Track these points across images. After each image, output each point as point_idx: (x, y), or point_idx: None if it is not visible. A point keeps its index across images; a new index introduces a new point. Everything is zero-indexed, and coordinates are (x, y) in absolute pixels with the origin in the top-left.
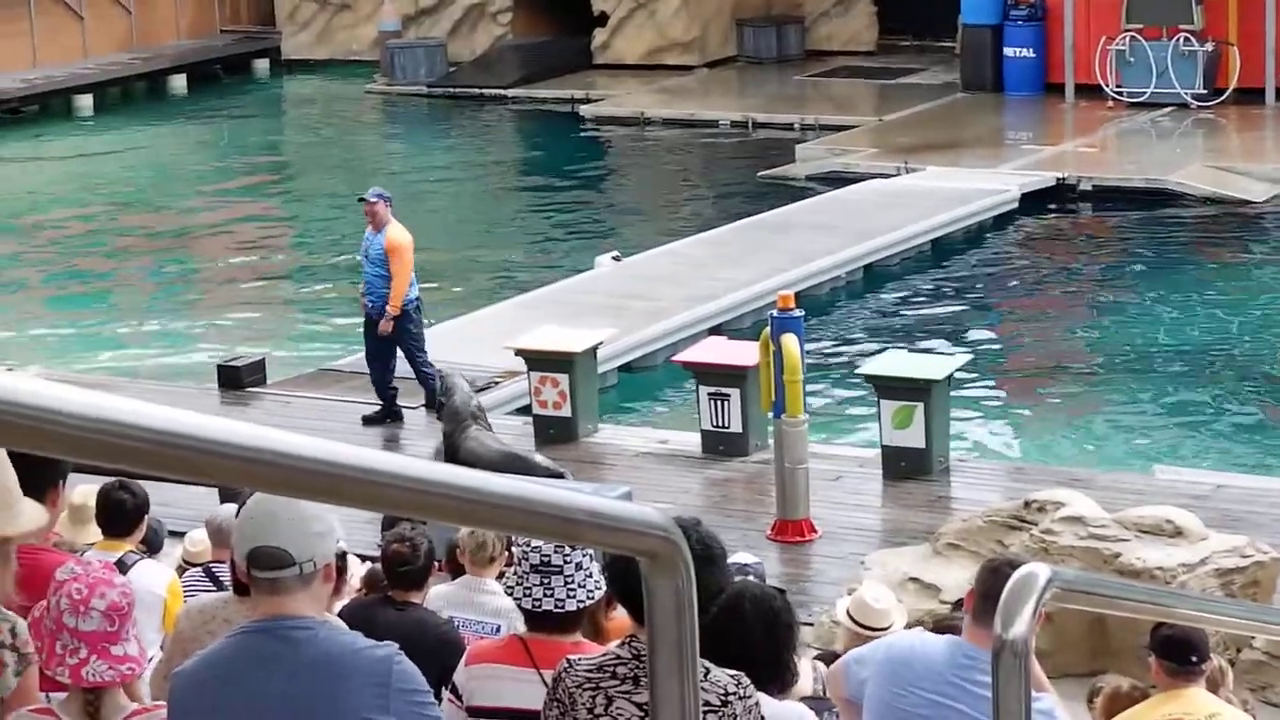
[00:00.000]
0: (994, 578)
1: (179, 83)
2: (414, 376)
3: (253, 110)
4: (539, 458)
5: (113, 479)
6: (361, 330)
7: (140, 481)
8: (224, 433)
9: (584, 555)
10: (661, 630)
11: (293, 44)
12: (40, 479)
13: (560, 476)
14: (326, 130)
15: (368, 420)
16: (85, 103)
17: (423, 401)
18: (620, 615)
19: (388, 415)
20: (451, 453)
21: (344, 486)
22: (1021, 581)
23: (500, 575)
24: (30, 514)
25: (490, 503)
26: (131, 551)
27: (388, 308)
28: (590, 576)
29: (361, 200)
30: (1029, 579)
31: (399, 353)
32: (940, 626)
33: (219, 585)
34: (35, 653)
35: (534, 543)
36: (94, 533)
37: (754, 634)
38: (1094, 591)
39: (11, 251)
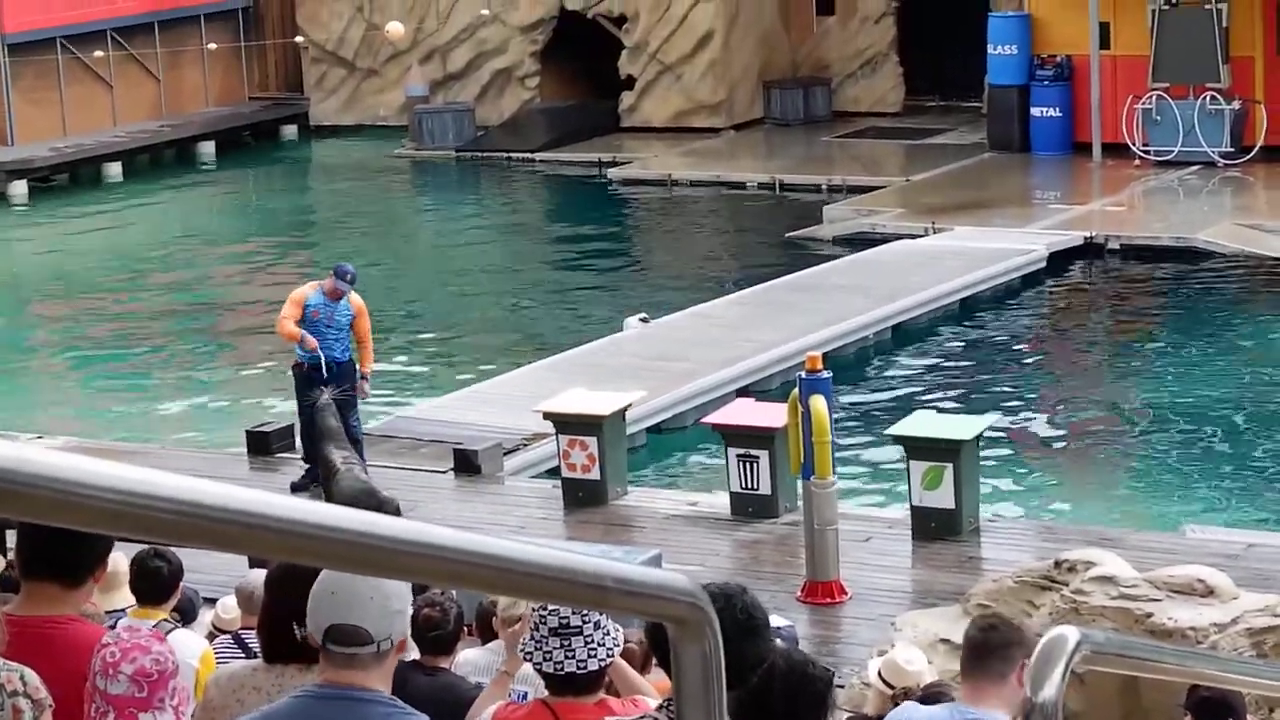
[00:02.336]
0: (980, 635)
1: (208, 149)
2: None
3: (281, 176)
4: (383, 494)
5: (147, 546)
6: (294, 391)
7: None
8: (263, 506)
9: (601, 614)
10: (689, 697)
11: (321, 110)
12: (91, 555)
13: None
14: (355, 195)
15: (295, 487)
16: (115, 170)
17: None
18: (662, 677)
19: (315, 479)
20: (326, 490)
21: (380, 558)
22: (1051, 644)
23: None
24: (126, 594)
25: (521, 571)
26: (165, 620)
27: (366, 369)
28: (608, 635)
29: (338, 275)
30: (1059, 641)
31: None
32: (930, 694)
33: (248, 652)
34: (49, 699)
35: (551, 605)
36: (124, 598)
37: (785, 701)
38: (1124, 653)
39: (41, 319)
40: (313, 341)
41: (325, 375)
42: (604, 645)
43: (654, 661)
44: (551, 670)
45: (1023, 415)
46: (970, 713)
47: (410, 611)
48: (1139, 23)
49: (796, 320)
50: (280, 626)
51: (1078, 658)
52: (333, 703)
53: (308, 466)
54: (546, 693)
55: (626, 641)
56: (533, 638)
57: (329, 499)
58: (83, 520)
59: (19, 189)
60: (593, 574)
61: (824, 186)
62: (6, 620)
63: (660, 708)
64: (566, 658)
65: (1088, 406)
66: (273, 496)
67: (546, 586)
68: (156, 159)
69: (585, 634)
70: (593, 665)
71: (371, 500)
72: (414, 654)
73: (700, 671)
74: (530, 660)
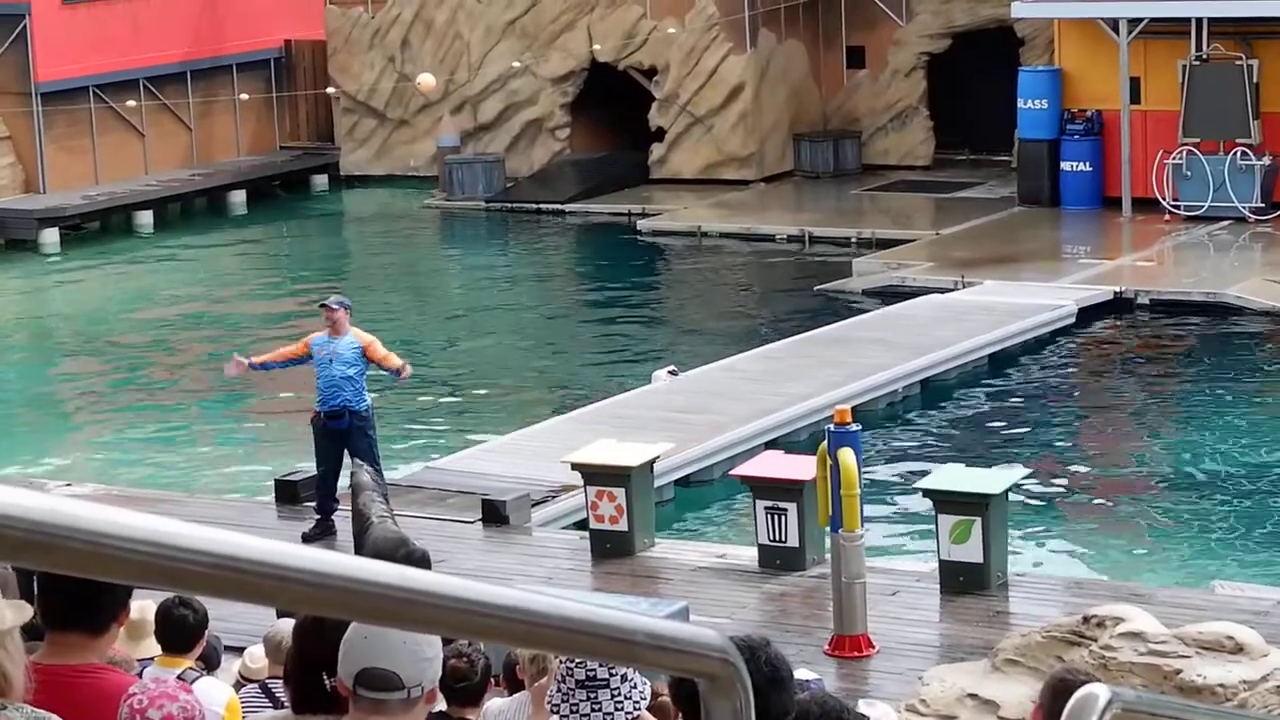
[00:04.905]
0: (1059, 698)
1: (238, 199)
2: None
3: (311, 226)
4: (413, 544)
5: (172, 595)
6: (314, 442)
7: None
8: (294, 559)
9: (628, 667)
10: None
11: (351, 160)
12: (113, 603)
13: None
14: (385, 245)
15: (307, 538)
16: (146, 219)
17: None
18: None
19: (326, 531)
20: (358, 544)
21: (411, 611)
22: (1082, 702)
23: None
24: (151, 643)
25: (551, 625)
26: (190, 668)
27: (406, 364)
28: (635, 687)
29: (324, 306)
30: (1089, 700)
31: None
32: None
33: (276, 702)
34: None
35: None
36: (150, 648)
37: None
38: (1155, 712)
39: (71, 367)
40: (236, 369)
41: (343, 423)
42: (630, 698)
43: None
44: None
45: (1052, 470)
46: None
47: (441, 660)
48: (1170, 78)
49: (825, 373)
50: (309, 676)
51: (1108, 716)
52: None
53: (319, 517)
54: None
55: (658, 696)
56: (559, 689)
57: (359, 550)
58: (113, 572)
59: (50, 237)
60: (623, 629)
61: (853, 239)
62: (33, 668)
63: None
64: (593, 710)
65: (1117, 461)
66: (304, 549)
67: (577, 641)
68: (187, 208)
69: (612, 686)
70: (619, 718)
71: (401, 550)
72: (441, 705)
73: None
74: (556, 712)
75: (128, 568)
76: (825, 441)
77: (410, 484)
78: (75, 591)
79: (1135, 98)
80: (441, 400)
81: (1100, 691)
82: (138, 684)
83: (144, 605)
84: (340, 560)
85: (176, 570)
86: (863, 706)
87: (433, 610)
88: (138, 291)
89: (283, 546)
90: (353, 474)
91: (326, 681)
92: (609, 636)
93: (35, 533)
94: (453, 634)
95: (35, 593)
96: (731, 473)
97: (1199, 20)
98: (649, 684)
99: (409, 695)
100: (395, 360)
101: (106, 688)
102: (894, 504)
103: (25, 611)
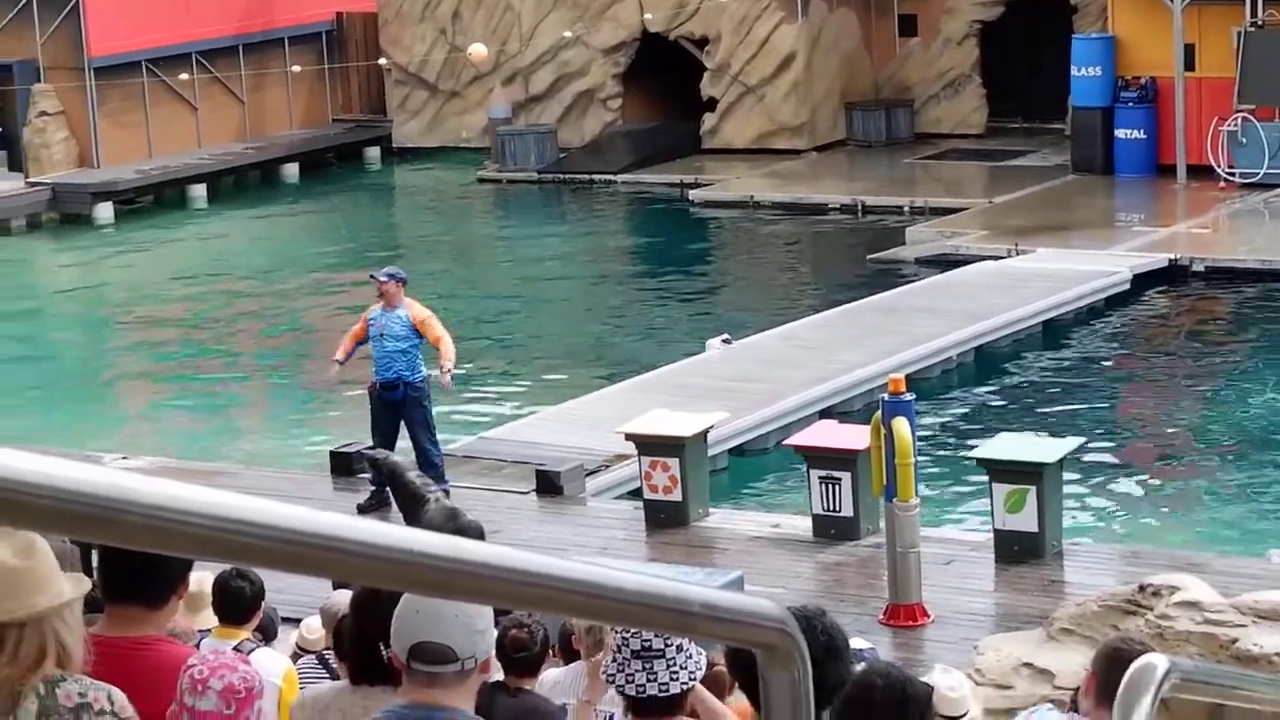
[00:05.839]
0: (1114, 667)
1: (291, 171)
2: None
3: (364, 198)
4: (466, 517)
5: (229, 567)
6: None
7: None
8: (353, 531)
9: (684, 637)
10: None
11: (404, 132)
12: (173, 576)
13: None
14: (438, 217)
15: (363, 509)
16: (199, 192)
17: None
18: (743, 701)
19: (381, 502)
20: (411, 523)
21: (468, 584)
22: (1140, 673)
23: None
24: (209, 615)
25: (608, 597)
26: (247, 639)
27: (445, 363)
28: (690, 657)
29: (374, 279)
30: (1147, 670)
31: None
32: None
33: (332, 673)
34: (136, 717)
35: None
36: (208, 619)
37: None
38: (1212, 681)
39: (125, 340)
40: (338, 359)
41: (398, 394)
42: (686, 668)
43: (735, 685)
44: (634, 693)
45: (1106, 438)
46: None
47: (494, 632)
48: (1224, 44)
49: (879, 342)
50: (366, 649)
51: (1166, 686)
52: None
53: (374, 489)
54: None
55: (713, 665)
56: (615, 659)
57: (410, 524)
58: (173, 546)
59: (105, 211)
60: (680, 600)
61: (906, 208)
62: (92, 640)
63: None
64: (648, 680)
65: (1172, 429)
66: (361, 521)
67: (634, 612)
68: (240, 181)
69: (667, 657)
70: (674, 688)
71: (453, 523)
72: (498, 674)
73: (789, 698)
74: (612, 682)
75: (187, 541)
76: (879, 411)
77: (465, 454)
78: (135, 564)
79: (1189, 64)
80: (495, 370)
81: (1158, 661)
82: (197, 655)
83: (201, 577)
84: (398, 532)
85: (236, 543)
86: (937, 673)
87: (490, 582)
88: (191, 265)
89: (341, 519)
90: (385, 458)
91: (383, 652)
92: (666, 608)
93: (95, 507)
94: (510, 605)
95: (94, 565)
96: (786, 442)
97: None
98: (704, 654)
99: (463, 667)
100: (446, 350)
101: (165, 659)
102: (948, 473)
103: (84, 584)
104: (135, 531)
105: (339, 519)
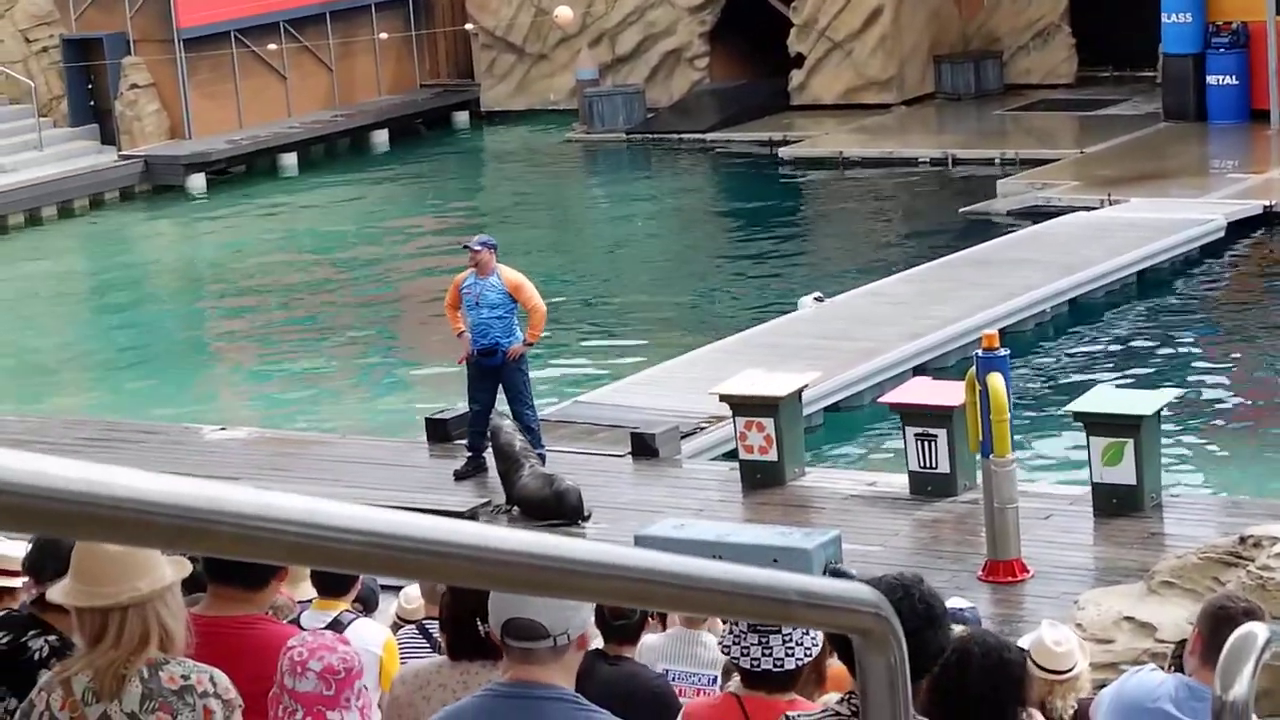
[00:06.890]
0: (1220, 625)
1: (381, 138)
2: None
3: (454, 163)
4: (564, 483)
5: None
6: (466, 379)
7: None
8: (448, 534)
9: None
10: (875, 706)
11: (491, 96)
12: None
13: (582, 513)
14: (528, 180)
15: (460, 475)
16: (290, 161)
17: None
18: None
19: (478, 468)
20: (508, 488)
21: (564, 581)
22: (1240, 642)
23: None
24: (308, 586)
25: (703, 588)
26: (347, 611)
27: (527, 335)
28: (808, 634)
29: (467, 248)
30: (1248, 640)
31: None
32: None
33: (433, 642)
34: (239, 699)
35: None
36: (307, 590)
37: (984, 686)
38: None
39: (220, 310)
40: (460, 331)
41: (495, 360)
42: (802, 644)
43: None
44: (748, 666)
45: (1204, 388)
46: (1201, 689)
47: (589, 607)
48: None
49: (972, 296)
50: (463, 623)
51: (1267, 655)
52: (514, 701)
53: (470, 454)
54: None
55: None
56: (731, 633)
57: (509, 491)
58: (265, 554)
59: (197, 182)
60: (776, 588)
61: (997, 160)
62: (194, 621)
63: (841, 701)
64: (764, 655)
65: (1270, 378)
66: (455, 524)
67: (730, 603)
68: (331, 149)
69: (784, 632)
70: (790, 664)
71: (551, 489)
72: (598, 642)
73: (886, 680)
74: (728, 655)
75: (278, 549)
76: (974, 367)
77: (560, 418)
78: None
79: None
80: (587, 334)
81: (1259, 630)
82: (297, 636)
83: None
84: (494, 534)
85: (329, 550)
86: (1045, 627)
87: (587, 579)
88: (284, 233)
89: (435, 523)
90: (492, 421)
91: (481, 628)
92: (762, 596)
93: (187, 520)
94: (610, 602)
95: None
96: (880, 399)
97: None
98: (821, 632)
99: (555, 644)
100: (537, 320)
101: (267, 639)
102: (1045, 427)
103: (185, 567)
104: (228, 542)
105: (433, 522)
